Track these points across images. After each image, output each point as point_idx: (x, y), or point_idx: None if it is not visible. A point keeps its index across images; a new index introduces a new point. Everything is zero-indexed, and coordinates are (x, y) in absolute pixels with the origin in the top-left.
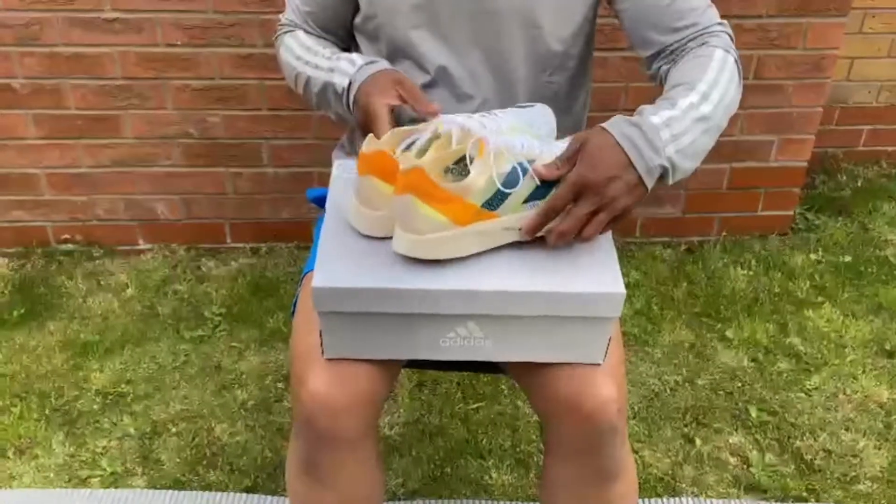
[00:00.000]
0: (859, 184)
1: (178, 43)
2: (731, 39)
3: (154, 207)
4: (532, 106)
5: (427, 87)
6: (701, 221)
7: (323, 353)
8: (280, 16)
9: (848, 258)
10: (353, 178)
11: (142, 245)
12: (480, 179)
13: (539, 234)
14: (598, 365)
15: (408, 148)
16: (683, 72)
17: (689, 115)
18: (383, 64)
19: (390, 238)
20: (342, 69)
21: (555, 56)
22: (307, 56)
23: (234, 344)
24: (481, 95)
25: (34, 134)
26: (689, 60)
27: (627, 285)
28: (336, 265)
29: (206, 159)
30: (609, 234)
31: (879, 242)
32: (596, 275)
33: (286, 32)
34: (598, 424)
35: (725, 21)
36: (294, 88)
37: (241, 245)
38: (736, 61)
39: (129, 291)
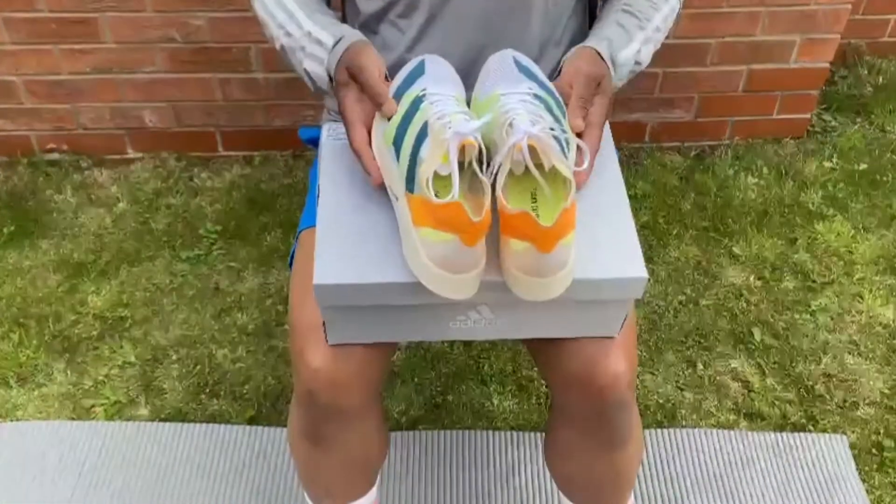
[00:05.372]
0: (881, 80)
1: None
2: None
3: (141, 115)
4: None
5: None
6: (714, 125)
7: (326, 339)
8: None
9: (864, 165)
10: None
11: (131, 154)
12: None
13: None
14: (612, 338)
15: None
16: (639, 3)
17: (633, 59)
18: (347, 42)
19: (392, 222)
20: (314, 54)
21: None
22: (282, 17)
23: (231, 264)
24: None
25: (7, 39)
26: None
27: (634, 197)
28: (337, 258)
29: (193, 65)
30: (628, 210)
31: None
32: (616, 257)
33: None
34: (608, 399)
35: None
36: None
37: (233, 153)
38: (679, 10)
39: (121, 206)
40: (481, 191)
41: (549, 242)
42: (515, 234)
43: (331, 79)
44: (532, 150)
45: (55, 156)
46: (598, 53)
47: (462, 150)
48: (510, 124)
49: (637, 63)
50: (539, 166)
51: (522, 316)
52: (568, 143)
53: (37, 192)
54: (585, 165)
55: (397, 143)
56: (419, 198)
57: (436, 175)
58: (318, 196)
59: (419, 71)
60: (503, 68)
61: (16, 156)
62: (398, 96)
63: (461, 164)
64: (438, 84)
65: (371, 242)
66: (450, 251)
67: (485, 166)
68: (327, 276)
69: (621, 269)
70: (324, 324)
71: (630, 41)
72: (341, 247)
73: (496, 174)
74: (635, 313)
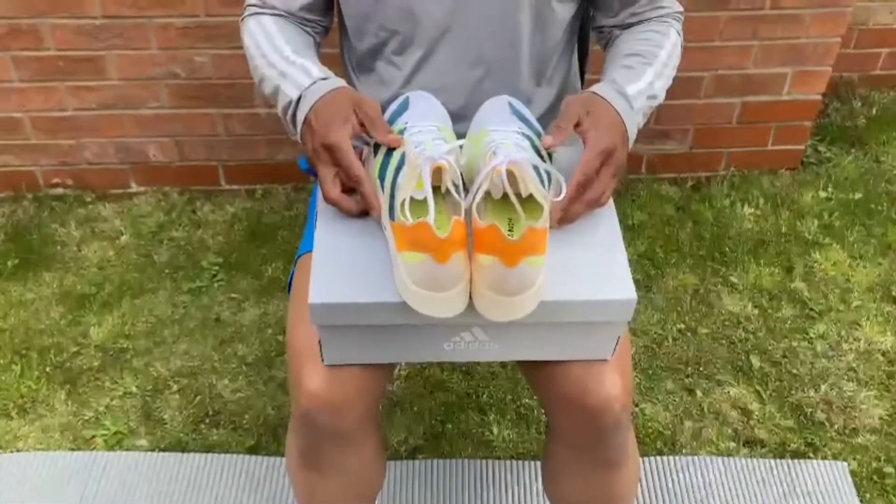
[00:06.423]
0: (874, 112)
1: None
2: (682, 27)
3: (145, 150)
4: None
5: (427, 54)
6: (709, 157)
7: (322, 359)
8: None
9: (858, 195)
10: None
11: (134, 188)
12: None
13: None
14: (606, 360)
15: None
16: (640, 43)
17: (646, 93)
18: (339, 81)
19: (387, 244)
20: (294, 78)
21: (552, 12)
22: (266, 48)
23: (232, 295)
24: (485, 64)
25: (15, 76)
26: (646, 31)
27: (631, 227)
28: (333, 278)
29: (196, 101)
30: (619, 234)
31: (892, 177)
32: (606, 280)
33: (252, 15)
34: (601, 420)
35: (682, 10)
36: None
37: (235, 187)
38: (681, 45)
39: (124, 239)
40: (461, 213)
41: (514, 257)
42: (484, 248)
43: (297, 102)
44: (511, 178)
45: (60, 190)
46: (602, 97)
47: (438, 175)
48: (494, 152)
49: (651, 97)
50: (517, 196)
51: (516, 338)
52: (550, 178)
53: (41, 225)
54: (562, 196)
55: (381, 176)
56: (397, 224)
57: (414, 201)
58: (316, 219)
59: (403, 107)
60: (497, 110)
61: (21, 190)
62: None
63: (438, 189)
64: (421, 118)
65: (366, 263)
66: (425, 270)
67: (462, 191)
68: (322, 296)
69: (610, 292)
70: (319, 345)
71: (639, 77)
72: (337, 267)
73: (475, 197)
74: (629, 336)
